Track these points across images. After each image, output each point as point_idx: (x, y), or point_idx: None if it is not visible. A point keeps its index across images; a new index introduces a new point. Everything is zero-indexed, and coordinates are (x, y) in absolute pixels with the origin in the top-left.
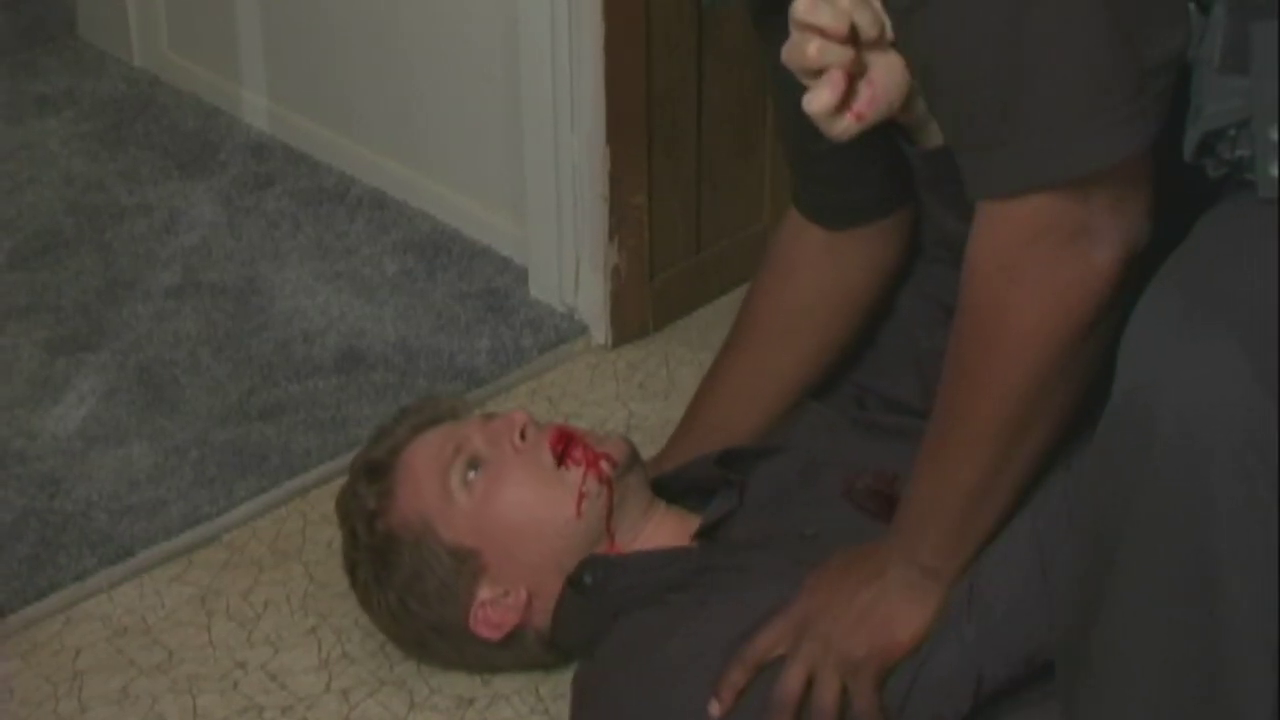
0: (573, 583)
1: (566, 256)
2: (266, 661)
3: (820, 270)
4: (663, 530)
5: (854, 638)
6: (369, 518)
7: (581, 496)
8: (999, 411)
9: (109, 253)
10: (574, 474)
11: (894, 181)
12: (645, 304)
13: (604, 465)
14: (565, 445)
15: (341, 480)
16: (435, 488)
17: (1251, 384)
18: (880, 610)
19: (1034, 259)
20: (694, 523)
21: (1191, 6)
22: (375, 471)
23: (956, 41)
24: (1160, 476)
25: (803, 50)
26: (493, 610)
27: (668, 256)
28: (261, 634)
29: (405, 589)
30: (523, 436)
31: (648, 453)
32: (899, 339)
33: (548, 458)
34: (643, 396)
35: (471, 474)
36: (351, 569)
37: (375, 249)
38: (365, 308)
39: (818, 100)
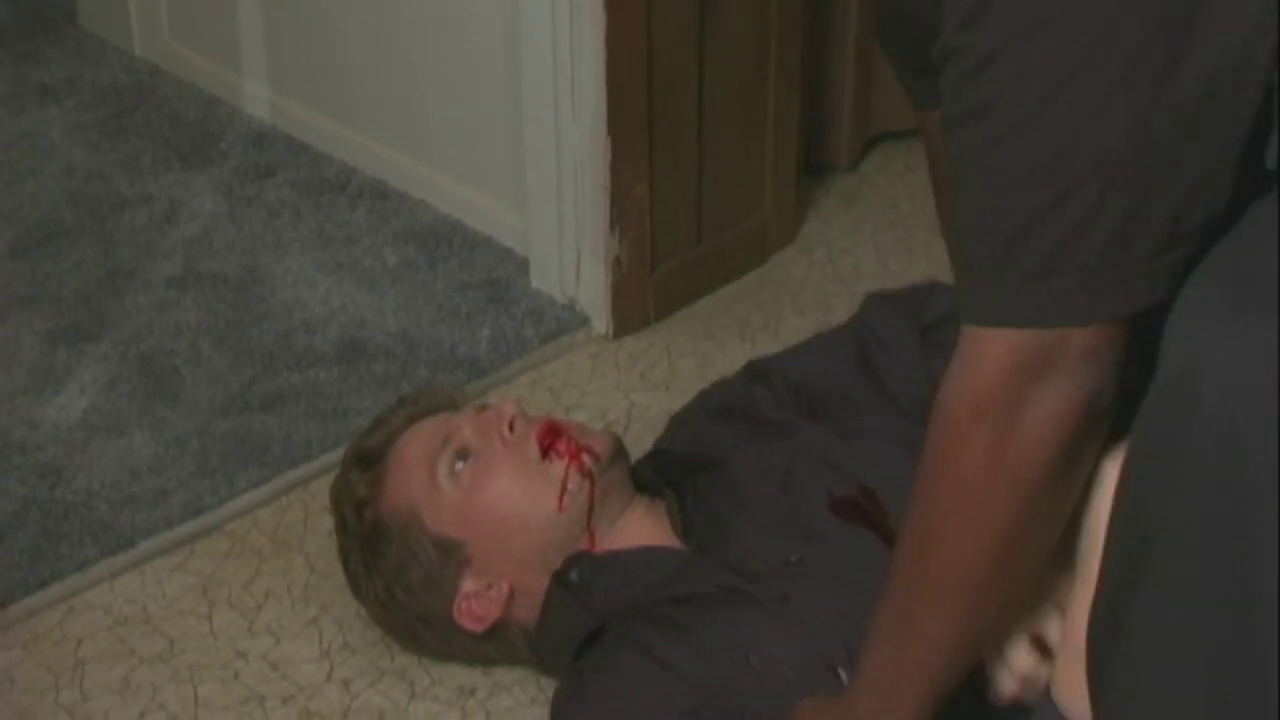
0: (559, 579)
1: (568, 247)
2: (268, 651)
3: None
4: (635, 526)
5: None
6: (359, 505)
7: (564, 490)
8: (971, 557)
9: (110, 243)
10: (557, 467)
11: None
12: (646, 294)
13: (585, 459)
14: (552, 438)
15: None
16: (423, 478)
17: None
18: None
19: (1003, 395)
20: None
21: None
22: (367, 460)
23: (991, 162)
24: (1200, 456)
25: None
26: (476, 602)
27: (669, 247)
28: (263, 624)
29: (392, 578)
30: (511, 428)
31: (648, 443)
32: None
33: (534, 450)
34: (644, 387)
35: (460, 465)
36: (343, 556)
37: (376, 239)
38: (366, 298)
39: (1007, 691)
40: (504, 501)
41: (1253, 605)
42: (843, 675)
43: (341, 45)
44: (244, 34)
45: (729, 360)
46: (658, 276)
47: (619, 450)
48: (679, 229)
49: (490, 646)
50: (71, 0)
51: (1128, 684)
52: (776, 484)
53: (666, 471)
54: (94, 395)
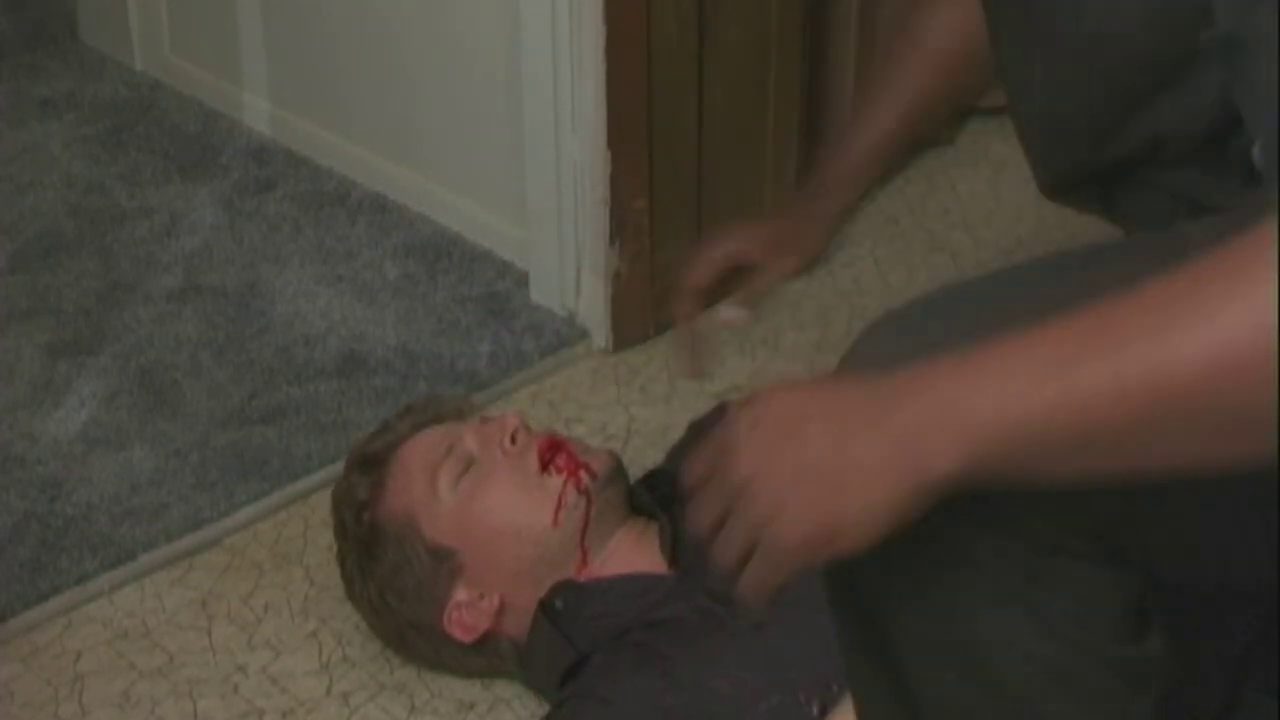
0: (544, 607)
1: (567, 260)
2: (267, 665)
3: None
4: (626, 549)
5: (790, 515)
6: (358, 508)
7: (560, 505)
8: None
9: (110, 256)
10: (554, 481)
11: None
12: (646, 308)
13: (583, 475)
14: (552, 453)
15: None
16: (423, 485)
17: None
18: (837, 497)
19: None
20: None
21: None
22: (369, 463)
23: None
24: None
25: None
26: (466, 613)
27: (669, 260)
28: (262, 637)
29: (385, 583)
30: (513, 440)
31: (648, 457)
32: None
33: (533, 463)
34: (644, 401)
35: (461, 474)
36: (340, 558)
37: (376, 252)
38: (366, 311)
39: None
40: (499, 513)
41: None
42: (813, 709)
43: (342, 59)
44: (245, 48)
45: (728, 374)
46: (657, 290)
47: (618, 470)
48: (679, 242)
49: (480, 659)
50: (73, 14)
51: None
52: None
53: (661, 492)
54: (94, 408)
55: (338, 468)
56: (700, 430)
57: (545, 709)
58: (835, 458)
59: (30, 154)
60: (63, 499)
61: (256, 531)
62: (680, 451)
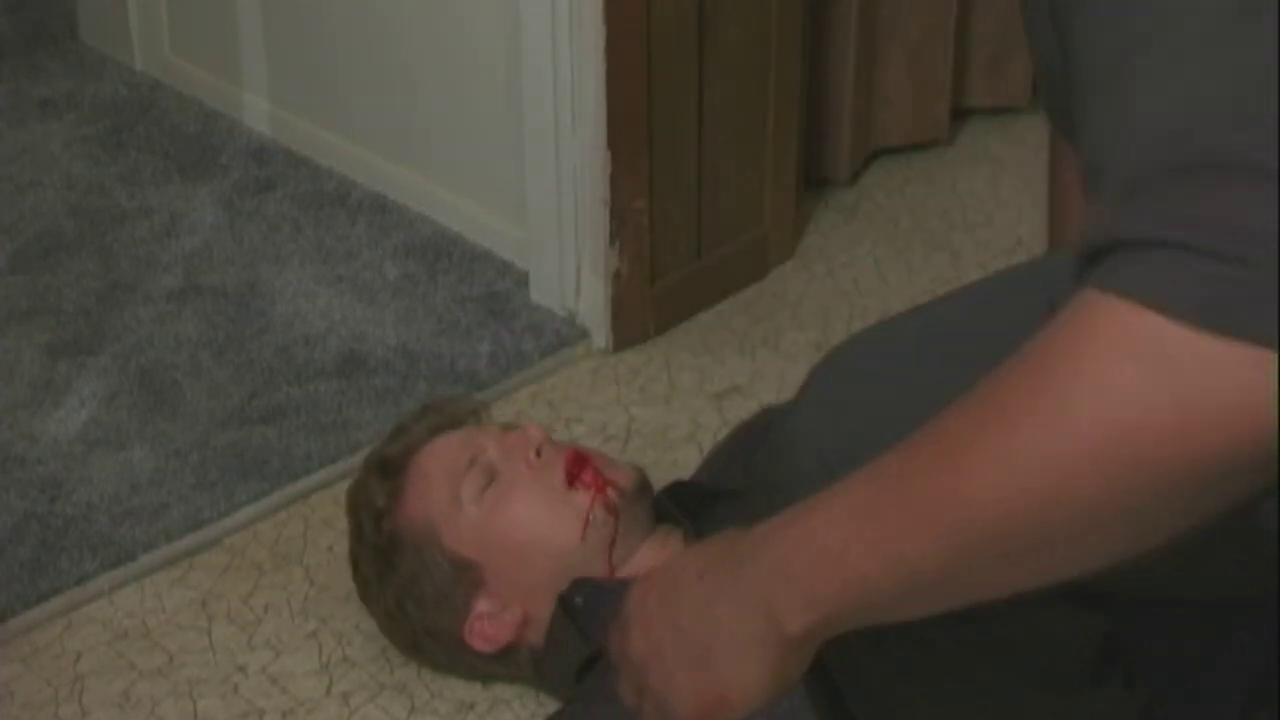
0: (563, 603)
1: (567, 260)
2: (267, 665)
3: None
4: (649, 557)
5: (678, 687)
6: (376, 515)
7: (588, 523)
8: (1026, 486)
9: (110, 256)
10: (581, 497)
11: None
12: (646, 308)
13: (611, 493)
14: (579, 468)
15: (342, 484)
16: (445, 495)
17: None
18: (715, 664)
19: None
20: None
21: None
22: (387, 469)
23: None
24: None
25: None
26: (489, 624)
27: (669, 261)
28: (262, 638)
29: (403, 590)
30: (538, 454)
31: (648, 457)
32: None
33: (559, 478)
34: (644, 401)
35: (486, 487)
36: (355, 562)
37: (376, 253)
38: (366, 311)
39: None
40: (525, 528)
41: None
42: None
43: (342, 59)
44: (245, 48)
45: (729, 374)
46: (657, 290)
47: (643, 484)
48: (679, 243)
49: (498, 667)
50: (73, 14)
51: None
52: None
53: (687, 502)
54: (94, 408)
55: (338, 468)
56: (741, 434)
57: (546, 709)
58: (702, 626)
59: (30, 154)
60: (63, 499)
61: (256, 531)
62: (718, 457)
